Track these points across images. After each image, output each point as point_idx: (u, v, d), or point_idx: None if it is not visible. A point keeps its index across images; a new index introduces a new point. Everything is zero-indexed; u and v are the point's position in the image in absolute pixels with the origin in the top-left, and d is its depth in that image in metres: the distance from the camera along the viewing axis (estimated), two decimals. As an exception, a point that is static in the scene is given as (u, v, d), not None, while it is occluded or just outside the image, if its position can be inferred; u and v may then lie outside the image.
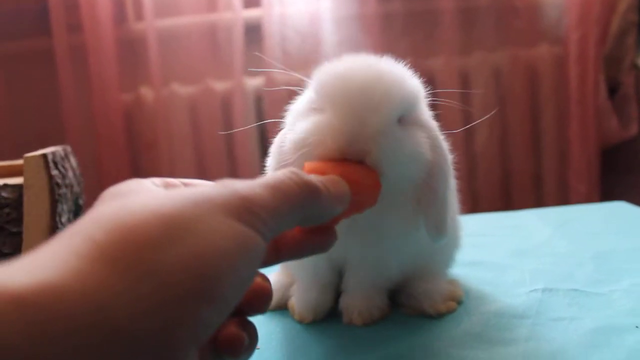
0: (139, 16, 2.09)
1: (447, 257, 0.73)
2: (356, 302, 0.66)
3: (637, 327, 0.60)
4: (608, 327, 0.60)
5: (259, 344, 0.62)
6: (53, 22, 2.06)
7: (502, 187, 2.20)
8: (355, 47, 2.10)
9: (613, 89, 2.14)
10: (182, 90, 2.10)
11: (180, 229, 0.32)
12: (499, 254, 0.87)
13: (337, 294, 0.68)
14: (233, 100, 2.07)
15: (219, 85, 2.09)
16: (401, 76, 0.58)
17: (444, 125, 2.12)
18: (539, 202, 2.18)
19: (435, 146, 0.59)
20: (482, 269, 0.81)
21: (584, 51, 2.08)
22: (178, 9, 2.09)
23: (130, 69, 2.12)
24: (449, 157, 0.62)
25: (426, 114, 0.63)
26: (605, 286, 0.71)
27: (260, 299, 0.41)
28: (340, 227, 0.48)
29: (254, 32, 2.07)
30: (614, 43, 2.10)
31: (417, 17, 2.14)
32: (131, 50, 2.11)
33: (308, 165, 0.50)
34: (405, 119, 0.57)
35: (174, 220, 0.32)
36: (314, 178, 0.42)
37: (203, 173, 2.04)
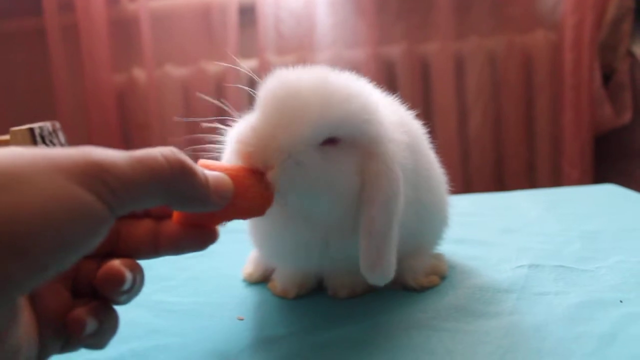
0: (132, -3, 2.08)
1: (434, 235, 0.72)
2: (340, 277, 0.66)
3: (621, 301, 0.60)
4: (592, 302, 0.60)
5: (243, 315, 0.62)
6: (44, 1, 2.04)
7: (495, 171, 2.20)
8: (349, 29, 2.08)
9: (608, 76, 2.13)
10: (175, 71, 2.09)
11: (3, 179, 0.31)
12: (487, 232, 0.87)
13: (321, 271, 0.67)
14: (226, 82, 2.05)
15: (213, 67, 2.07)
16: (340, 95, 0.55)
17: (439, 111, 2.11)
18: (531, 186, 2.18)
19: (379, 175, 0.55)
20: (469, 246, 0.81)
21: (579, 37, 2.07)
22: (171, -11, 2.07)
23: (122, 49, 2.10)
24: (398, 187, 0.56)
25: (385, 138, 0.57)
26: (592, 263, 0.71)
27: (110, 283, 0.39)
28: None
29: (248, 14, 2.05)
30: (610, 29, 2.09)
31: (413, 1, 2.13)
32: (124, 30, 2.09)
33: (202, 162, 0.49)
34: (342, 140, 0.55)
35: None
36: (195, 165, 0.41)
37: (194, 155, 2.03)
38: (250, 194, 0.48)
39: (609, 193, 1.07)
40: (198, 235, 0.44)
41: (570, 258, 0.73)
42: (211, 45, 2.09)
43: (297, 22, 2.07)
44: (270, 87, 0.56)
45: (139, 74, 2.09)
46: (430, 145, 0.71)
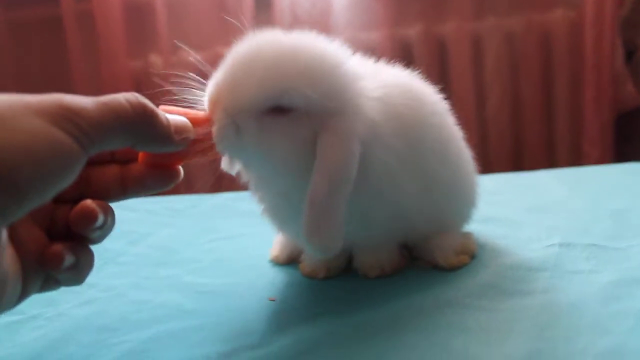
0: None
1: (461, 214, 0.72)
2: (368, 257, 0.66)
3: (656, 279, 0.59)
4: (627, 280, 0.59)
5: (274, 296, 0.62)
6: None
7: (514, 151, 2.17)
8: (365, 11, 2.06)
9: (630, 53, 2.09)
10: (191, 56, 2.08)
11: None
12: (514, 210, 0.86)
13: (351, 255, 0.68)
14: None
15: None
16: (292, 63, 0.53)
17: (456, 91, 2.09)
18: (551, 165, 2.16)
19: (328, 146, 0.53)
20: (497, 224, 0.80)
21: (600, 14, 2.03)
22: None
23: (138, 36, 2.10)
24: (347, 163, 0.53)
25: (346, 112, 0.55)
26: (624, 241, 0.70)
27: (84, 219, 0.43)
28: None
29: (264, 5, 2.04)
30: (632, 5, 2.05)
31: (430, -20, 2.10)
32: (139, 17, 2.09)
33: (163, 107, 0.50)
34: (295, 110, 0.53)
35: None
36: (157, 109, 0.44)
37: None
38: (209, 135, 0.51)
39: (634, 172, 1.05)
40: (162, 175, 0.48)
41: (601, 236, 0.72)
42: (227, 30, 2.08)
43: (313, 4, 2.05)
44: (238, 45, 0.57)
45: (155, 59, 2.09)
46: (455, 123, 0.70)
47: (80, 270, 0.44)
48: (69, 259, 0.42)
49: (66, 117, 0.37)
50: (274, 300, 0.61)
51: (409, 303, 0.58)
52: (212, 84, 0.56)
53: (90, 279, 0.71)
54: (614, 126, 2.10)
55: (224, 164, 0.61)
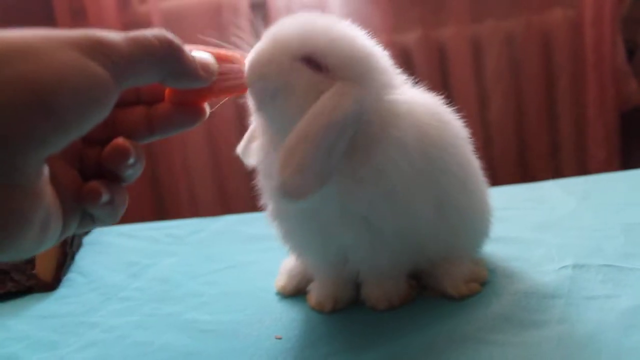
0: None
1: (475, 243, 0.70)
2: (375, 288, 0.64)
3: (676, 304, 0.57)
4: (645, 305, 0.57)
5: (281, 334, 0.60)
6: (56, 7, 2.03)
7: (519, 155, 2.15)
8: (363, 19, 2.04)
9: (631, 51, 2.07)
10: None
11: (21, 52, 0.35)
12: (523, 228, 0.84)
13: (358, 285, 0.66)
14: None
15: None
16: (326, 26, 0.55)
17: (458, 97, 2.08)
18: (557, 169, 2.14)
19: (327, 94, 0.53)
20: (506, 244, 0.78)
21: (600, 13, 2.01)
22: (182, -11, 2.05)
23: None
24: (337, 113, 0.52)
25: (361, 78, 0.55)
26: (638, 260, 0.68)
27: (117, 156, 0.44)
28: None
29: (259, 10, 2.02)
30: (632, 3, 2.03)
31: (427, -15, 2.08)
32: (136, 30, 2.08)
33: (189, 46, 0.49)
34: (328, 70, 0.54)
35: (16, 45, 0.35)
36: (183, 44, 0.44)
37: (214, 154, 2.01)
38: (233, 72, 0.52)
39: (645, 179, 1.03)
40: (188, 112, 0.49)
41: (615, 255, 0.70)
42: (224, 43, 2.06)
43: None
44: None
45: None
46: (471, 147, 0.69)
47: (116, 207, 0.45)
48: (106, 195, 0.43)
49: (98, 50, 0.38)
50: (280, 339, 0.60)
51: (420, 339, 0.56)
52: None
53: (92, 317, 0.71)
54: (618, 125, 2.07)
55: (240, 147, 0.63)
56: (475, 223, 0.68)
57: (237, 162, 0.65)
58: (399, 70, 0.62)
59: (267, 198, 0.63)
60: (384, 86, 0.57)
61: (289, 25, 0.56)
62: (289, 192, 0.50)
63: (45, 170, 0.38)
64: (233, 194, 2.04)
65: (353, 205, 0.57)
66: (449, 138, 0.63)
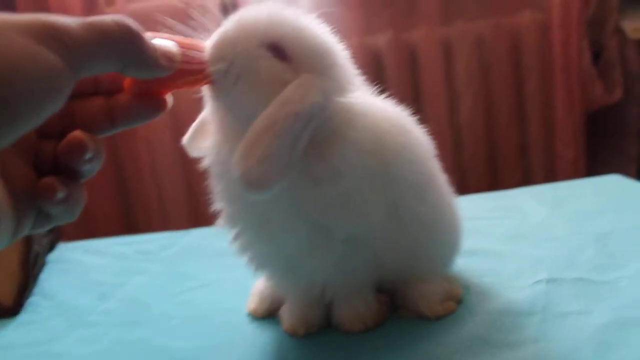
0: (110, 1, 2.01)
1: (443, 258, 0.69)
2: (347, 310, 0.63)
3: (649, 319, 0.57)
4: (619, 321, 0.57)
5: (255, 358, 0.59)
6: (20, 9, 1.97)
7: (489, 156, 2.17)
8: (334, 21, 2.03)
9: (597, 53, 2.10)
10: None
11: None
12: (495, 239, 0.84)
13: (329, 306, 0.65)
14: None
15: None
16: (293, 16, 0.55)
17: (429, 99, 2.06)
18: (526, 169, 2.16)
19: (293, 85, 0.52)
20: (479, 258, 0.78)
21: (567, 16, 2.03)
22: (149, -9, 2.01)
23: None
24: (303, 103, 0.51)
25: (326, 71, 0.55)
26: (611, 272, 0.68)
27: (74, 150, 0.41)
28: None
29: (230, 11, 1.99)
30: (597, 6, 2.06)
31: (397, -12, 2.08)
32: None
33: (149, 33, 0.47)
34: (292, 58, 0.53)
35: None
36: (143, 32, 0.42)
37: (183, 159, 1.98)
38: (196, 60, 0.50)
39: (615, 185, 1.04)
40: (150, 103, 0.46)
41: (586, 267, 0.71)
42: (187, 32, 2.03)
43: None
44: None
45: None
46: (436, 161, 0.68)
47: (73, 204, 0.42)
48: (61, 191, 0.40)
49: (52, 35, 0.35)
50: (253, 365, 0.58)
51: (394, 361, 0.55)
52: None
53: (57, 346, 0.68)
54: (585, 126, 2.11)
55: (186, 137, 0.61)
56: (440, 236, 0.66)
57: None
58: (359, 72, 0.61)
59: (219, 201, 0.61)
60: (346, 83, 0.57)
61: (256, 11, 0.55)
62: (252, 181, 0.48)
63: None
64: (204, 199, 2.01)
65: (305, 206, 0.55)
66: (408, 145, 0.61)
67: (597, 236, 0.80)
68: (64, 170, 0.42)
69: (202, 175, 0.63)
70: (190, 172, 1.97)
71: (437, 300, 0.64)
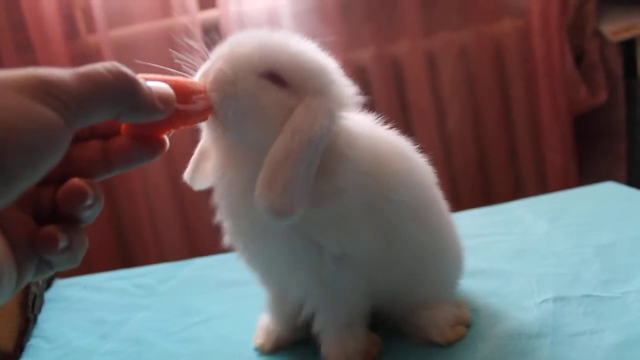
0: (91, 29, 2.00)
1: (448, 281, 0.69)
2: (332, 345, 0.62)
3: (660, 336, 0.57)
4: (631, 340, 0.57)
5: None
6: (1, 43, 1.95)
7: (480, 164, 2.18)
8: (316, 39, 2.03)
9: (579, 58, 2.13)
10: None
11: None
12: (497, 257, 0.84)
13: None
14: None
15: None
16: (282, 41, 0.55)
17: (416, 111, 2.06)
18: (517, 175, 2.17)
19: (299, 113, 0.52)
20: (484, 278, 0.77)
21: (547, 23, 2.05)
22: (131, 18, 1.99)
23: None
24: (314, 129, 0.51)
25: (326, 91, 0.55)
26: (617, 287, 0.69)
27: (73, 197, 0.41)
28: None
29: (212, 34, 1.99)
30: (575, 12, 2.09)
31: (377, 3, 2.09)
32: (86, 64, 2.01)
33: (142, 75, 0.47)
34: (289, 84, 0.54)
35: None
36: (137, 76, 0.42)
37: (177, 191, 1.96)
38: (191, 100, 0.50)
39: (610, 194, 1.04)
40: (148, 145, 0.45)
41: (593, 283, 0.71)
42: (178, 69, 2.02)
43: (263, 36, 2.01)
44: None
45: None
46: (437, 188, 0.67)
47: (74, 252, 0.41)
48: (63, 240, 0.40)
49: (47, 92, 0.35)
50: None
51: (411, 395, 0.55)
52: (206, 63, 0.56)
53: (62, 394, 0.67)
54: (572, 130, 2.12)
55: (188, 172, 0.61)
56: (441, 262, 0.66)
57: (201, 197, 0.63)
58: (354, 88, 0.61)
59: (224, 217, 0.61)
60: (345, 99, 0.57)
61: (245, 41, 0.55)
62: (278, 211, 0.49)
63: None
64: (199, 230, 1.99)
65: (301, 222, 0.54)
66: (406, 171, 0.62)
67: (599, 249, 0.80)
68: (64, 217, 0.41)
69: (196, 204, 0.63)
70: (184, 201, 1.95)
71: (448, 326, 0.63)
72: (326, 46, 0.59)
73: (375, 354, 0.63)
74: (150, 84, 0.43)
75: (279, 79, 0.54)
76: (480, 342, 0.62)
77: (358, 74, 2.07)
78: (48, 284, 0.97)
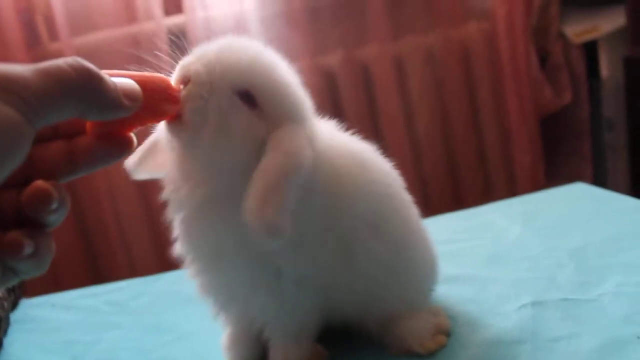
0: (54, 36, 1.95)
1: (419, 291, 0.68)
2: (277, 355, 0.62)
3: (638, 337, 0.58)
4: (609, 343, 0.58)
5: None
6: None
7: (449, 167, 2.19)
8: (284, 44, 2.03)
9: (543, 59, 2.17)
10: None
11: None
12: (472, 263, 0.84)
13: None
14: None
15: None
16: (261, 60, 0.54)
17: (385, 115, 2.08)
18: (486, 177, 2.20)
19: (281, 137, 0.52)
20: (460, 284, 0.77)
21: (512, 25, 2.09)
22: (95, 24, 1.95)
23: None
24: (301, 155, 0.52)
25: (302, 123, 0.55)
26: (593, 289, 0.69)
27: (38, 200, 0.39)
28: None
29: (179, 40, 1.96)
30: (540, 14, 2.13)
31: (345, 7, 2.09)
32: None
33: (107, 71, 0.45)
34: (260, 107, 0.53)
35: None
36: (102, 72, 0.40)
37: (145, 199, 1.92)
38: (157, 95, 0.48)
39: (580, 195, 1.06)
40: (114, 143, 0.44)
41: (568, 287, 0.71)
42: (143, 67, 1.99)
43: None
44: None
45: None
46: (403, 195, 0.67)
47: (41, 258, 0.39)
48: (29, 246, 0.38)
49: (4, 88, 0.33)
50: None
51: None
52: (183, 61, 0.54)
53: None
54: (539, 130, 2.16)
55: (132, 160, 0.59)
56: (410, 271, 0.65)
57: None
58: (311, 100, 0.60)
59: (176, 230, 0.60)
60: (312, 122, 0.57)
61: (233, 50, 0.54)
62: (271, 230, 0.48)
63: None
64: (167, 238, 1.96)
65: (256, 245, 0.53)
66: (364, 183, 0.60)
67: (572, 252, 0.81)
68: (29, 221, 0.39)
69: (165, 214, 0.61)
70: (152, 212, 1.91)
71: (427, 335, 0.63)
72: (293, 51, 0.59)
73: None
74: (115, 79, 0.42)
75: (252, 99, 0.53)
76: (460, 351, 0.61)
77: (326, 79, 2.07)
78: (14, 304, 0.94)
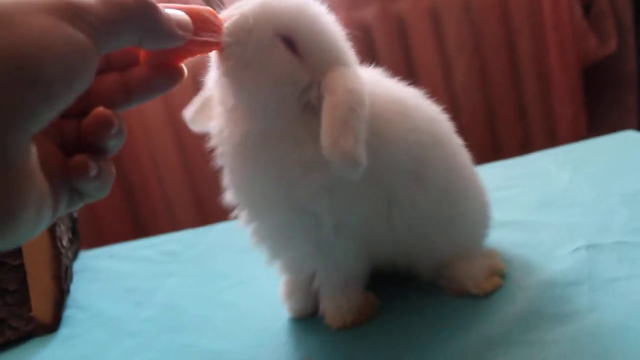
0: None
1: (478, 233, 0.68)
2: (328, 303, 0.63)
3: (697, 278, 0.57)
4: (668, 284, 0.58)
5: (310, 355, 0.59)
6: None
7: (488, 120, 2.16)
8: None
9: (587, 7, 2.09)
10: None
11: None
12: (524, 208, 0.84)
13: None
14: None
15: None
16: (310, 10, 0.54)
17: (422, 68, 2.03)
18: (525, 131, 2.16)
19: (338, 76, 0.53)
20: (513, 230, 0.78)
21: (554, -28, 2.02)
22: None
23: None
24: (360, 95, 0.52)
25: (343, 59, 0.55)
26: (648, 234, 0.69)
27: (100, 126, 0.41)
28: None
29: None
30: (584, -40, 2.05)
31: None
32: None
33: (161, 4, 0.47)
34: (302, 52, 0.53)
35: None
36: (157, 3, 0.42)
37: (185, 157, 1.95)
38: (206, 26, 0.49)
39: (629, 143, 1.04)
40: (167, 73, 0.46)
41: (623, 230, 0.71)
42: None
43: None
44: None
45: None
46: (453, 139, 0.67)
47: (104, 180, 0.42)
48: (94, 167, 0.40)
49: (76, 14, 0.35)
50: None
51: (452, 346, 0.55)
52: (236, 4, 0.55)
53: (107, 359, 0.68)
54: (581, 82, 2.10)
55: (189, 112, 0.61)
56: (461, 217, 0.64)
57: (209, 163, 0.63)
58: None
59: (226, 178, 0.61)
60: (354, 67, 0.57)
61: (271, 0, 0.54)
62: (352, 160, 0.49)
63: (34, 149, 0.36)
64: (208, 194, 1.99)
65: (294, 191, 0.55)
66: (406, 132, 0.59)
67: (625, 197, 0.80)
68: (90, 147, 0.41)
69: (205, 170, 0.62)
70: (192, 169, 1.95)
71: (482, 277, 0.63)
72: (330, 5, 0.58)
73: (370, 313, 0.64)
74: (169, 11, 0.43)
75: (294, 46, 0.53)
76: (517, 292, 0.62)
77: (362, 32, 2.04)
78: (74, 255, 0.98)
